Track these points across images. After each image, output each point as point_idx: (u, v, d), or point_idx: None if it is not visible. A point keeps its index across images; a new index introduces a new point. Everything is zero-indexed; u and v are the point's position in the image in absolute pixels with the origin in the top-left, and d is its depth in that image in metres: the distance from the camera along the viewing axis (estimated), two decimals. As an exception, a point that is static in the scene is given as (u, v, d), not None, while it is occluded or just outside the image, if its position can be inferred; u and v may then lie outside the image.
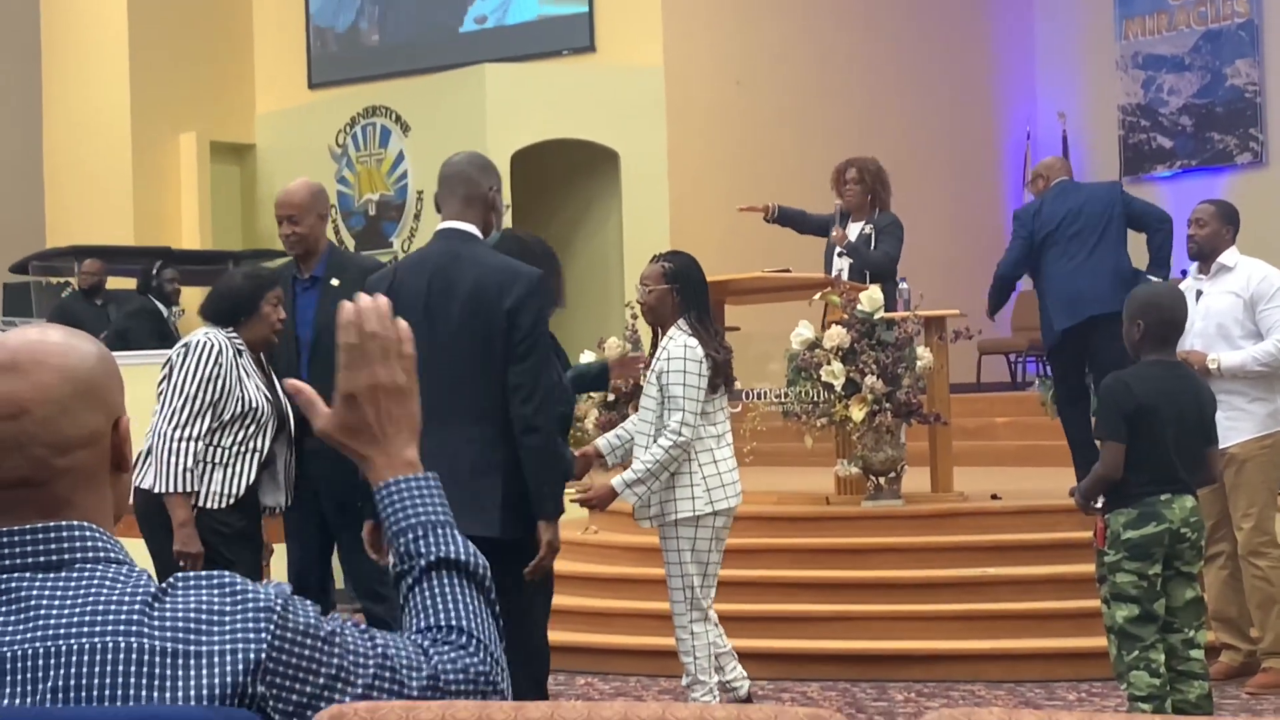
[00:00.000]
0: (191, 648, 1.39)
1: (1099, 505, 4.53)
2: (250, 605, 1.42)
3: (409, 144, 11.87)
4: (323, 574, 5.11)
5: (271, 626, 1.41)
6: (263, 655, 1.40)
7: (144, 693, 1.36)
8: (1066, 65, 13.81)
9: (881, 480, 6.71)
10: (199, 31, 12.83)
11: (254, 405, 4.55)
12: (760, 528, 6.72)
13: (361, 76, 12.66)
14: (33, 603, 1.40)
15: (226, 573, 1.47)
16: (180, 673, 1.37)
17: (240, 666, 1.39)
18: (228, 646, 1.39)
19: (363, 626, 1.51)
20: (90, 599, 1.40)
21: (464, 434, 3.79)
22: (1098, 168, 12.98)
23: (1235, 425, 5.41)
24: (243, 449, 4.55)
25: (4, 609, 1.41)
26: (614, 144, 11.23)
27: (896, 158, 9.06)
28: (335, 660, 1.45)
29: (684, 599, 4.73)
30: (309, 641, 1.44)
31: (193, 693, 1.37)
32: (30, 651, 1.37)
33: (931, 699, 5.60)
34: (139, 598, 1.41)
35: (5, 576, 1.43)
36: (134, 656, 1.37)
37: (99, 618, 1.39)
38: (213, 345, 4.52)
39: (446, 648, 1.53)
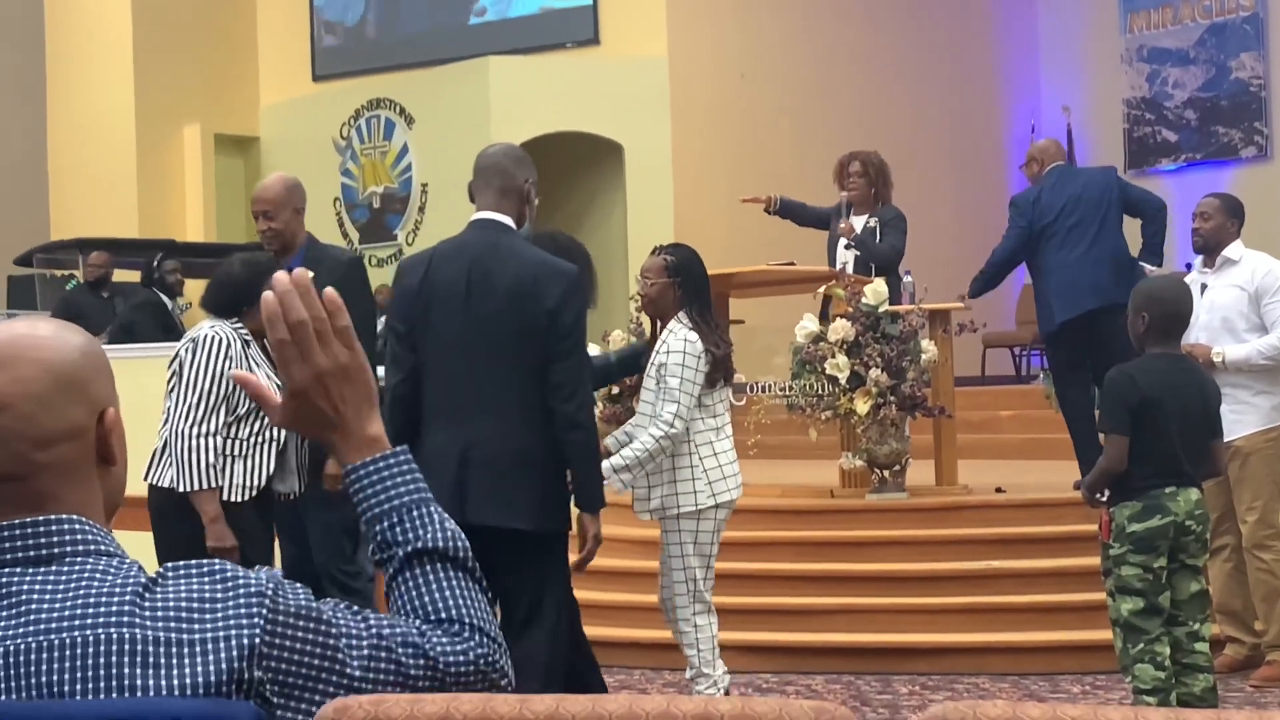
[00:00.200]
0: (185, 636, 1.38)
1: (1104, 498, 4.52)
2: (242, 590, 1.41)
3: (413, 137, 11.85)
4: (316, 570, 5.13)
5: (264, 610, 1.40)
6: (257, 639, 1.39)
7: (139, 683, 1.35)
8: (1071, 59, 13.79)
9: (886, 473, 6.71)
10: (203, 24, 12.82)
11: None
12: (765, 521, 6.72)
13: (365, 69, 12.65)
14: (23, 597, 1.38)
15: (216, 560, 1.46)
16: (175, 661, 1.36)
17: (235, 652, 1.38)
18: (221, 633, 1.38)
19: (355, 608, 1.50)
20: (81, 592, 1.39)
21: (498, 427, 3.85)
22: (1102, 162, 12.91)
23: (1240, 418, 5.41)
24: (259, 439, 4.53)
25: None
26: (618, 137, 11.23)
27: (901, 151, 9.05)
28: (330, 641, 1.44)
29: (687, 592, 4.72)
30: (302, 624, 1.43)
31: (189, 680, 1.36)
32: (23, 646, 1.36)
33: (936, 692, 5.60)
34: (130, 589, 1.40)
35: None
36: (128, 647, 1.36)
37: (90, 610, 1.37)
38: (220, 339, 4.49)
39: (441, 634, 1.52)
